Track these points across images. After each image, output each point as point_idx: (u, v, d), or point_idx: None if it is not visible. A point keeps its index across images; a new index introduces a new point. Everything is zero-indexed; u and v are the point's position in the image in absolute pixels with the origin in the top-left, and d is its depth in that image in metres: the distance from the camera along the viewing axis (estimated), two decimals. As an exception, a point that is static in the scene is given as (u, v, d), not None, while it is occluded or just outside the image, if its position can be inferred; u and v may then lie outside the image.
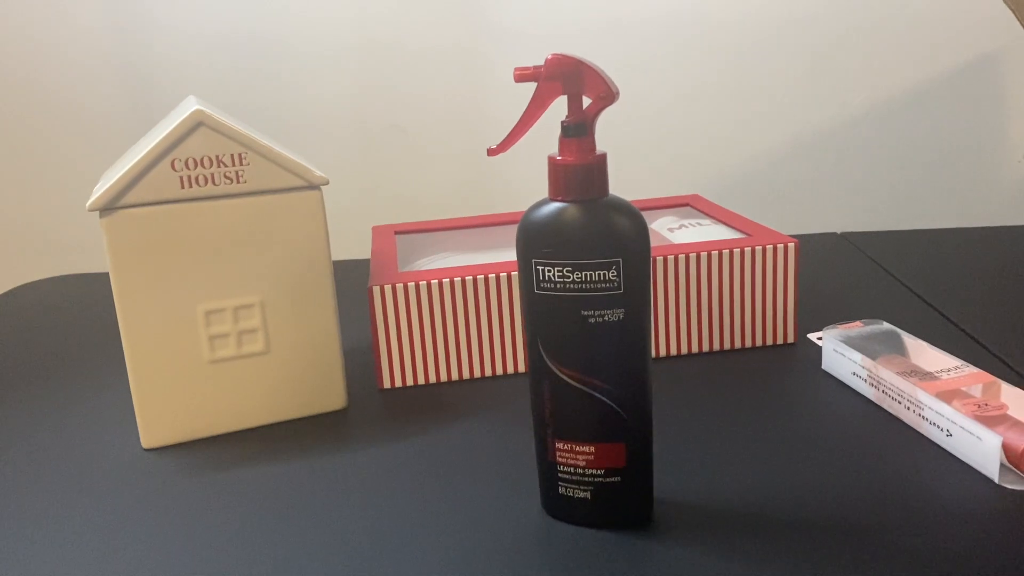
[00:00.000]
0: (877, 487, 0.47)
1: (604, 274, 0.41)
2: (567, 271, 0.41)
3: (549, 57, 0.41)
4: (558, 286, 0.42)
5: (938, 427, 0.51)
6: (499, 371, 0.65)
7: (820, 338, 0.67)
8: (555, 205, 0.42)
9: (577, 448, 0.44)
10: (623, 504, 0.44)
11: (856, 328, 0.63)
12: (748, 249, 0.65)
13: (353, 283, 0.81)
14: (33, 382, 0.69)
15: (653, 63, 1.13)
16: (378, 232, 0.79)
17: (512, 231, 0.79)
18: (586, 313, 0.42)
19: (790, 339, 0.68)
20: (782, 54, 1.13)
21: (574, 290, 0.41)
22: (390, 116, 1.16)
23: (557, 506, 0.45)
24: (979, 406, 0.51)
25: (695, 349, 0.67)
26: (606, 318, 0.42)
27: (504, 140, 0.43)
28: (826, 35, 1.12)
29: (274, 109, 1.15)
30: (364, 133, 1.17)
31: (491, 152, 0.43)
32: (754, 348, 0.67)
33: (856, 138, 1.16)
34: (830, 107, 1.15)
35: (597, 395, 0.43)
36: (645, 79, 1.14)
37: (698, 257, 0.65)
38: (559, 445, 0.44)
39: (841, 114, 1.15)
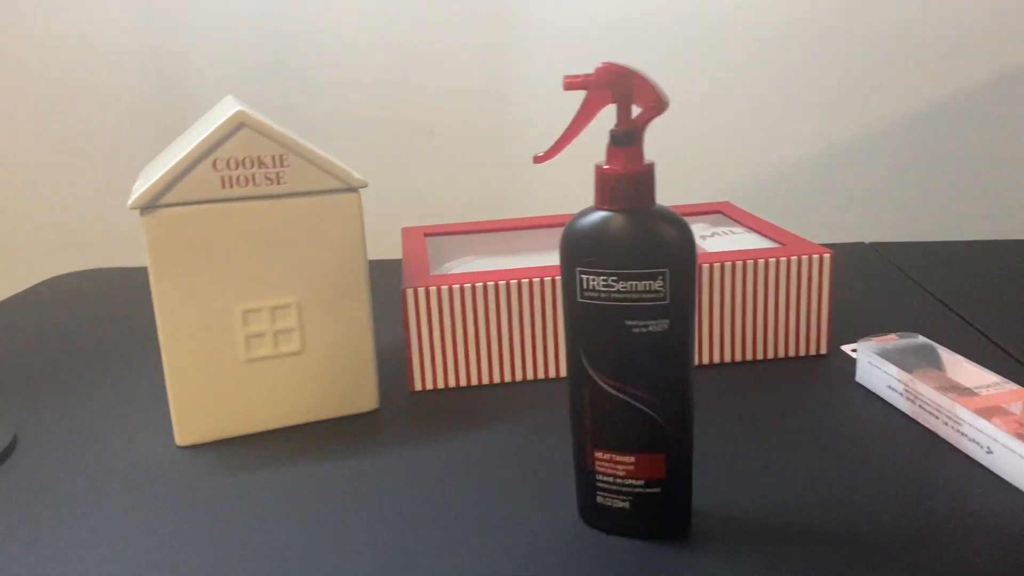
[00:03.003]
0: (915, 503, 0.47)
1: (650, 284, 0.41)
2: (612, 280, 0.41)
3: (600, 65, 0.41)
4: (602, 295, 0.42)
5: (978, 444, 0.50)
6: (530, 376, 0.65)
7: (854, 350, 0.66)
8: (601, 214, 0.42)
9: (617, 458, 0.44)
10: (662, 515, 0.44)
11: (891, 341, 0.63)
12: (783, 259, 0.65)
13: (382, 284, 0.81)
14: (66, 376, 0.70)
15: (685, 69, 1.13)
16: (408, 234, 0.79)
17: (540, 235, 0.79)
18: (630, 323, 0.41)
19: (823, 350, 0.67)
20: (815, 62, 1.12)
21: (619, 300, 0.41)
22: (418, 118, 1.16)
23: (595, 515, 0.45)
24: (1020, 423, 0.50)
25: (727, 359, 0.67)
26: (650, 328, 0.41)
27: (551, 148, 0.43)
28: (860, 43, 1.11)
29: (303, 110, 1.15)
30: (392, 135, 1.17)
31: (537, 160, 0.43)
32: (786, 359, 0.67)
33: (888, 147, 1.15)
34: (863, 116, 1.14)
35: (638, 405, 0.42)
36: (676, 84, 1.13)
37: (732, 266, 0.65)
38: (598, 454, 0.44)
39: (873, 123, 1.14)
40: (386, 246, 1.01)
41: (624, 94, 0.41)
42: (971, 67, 1.12)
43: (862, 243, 0.99)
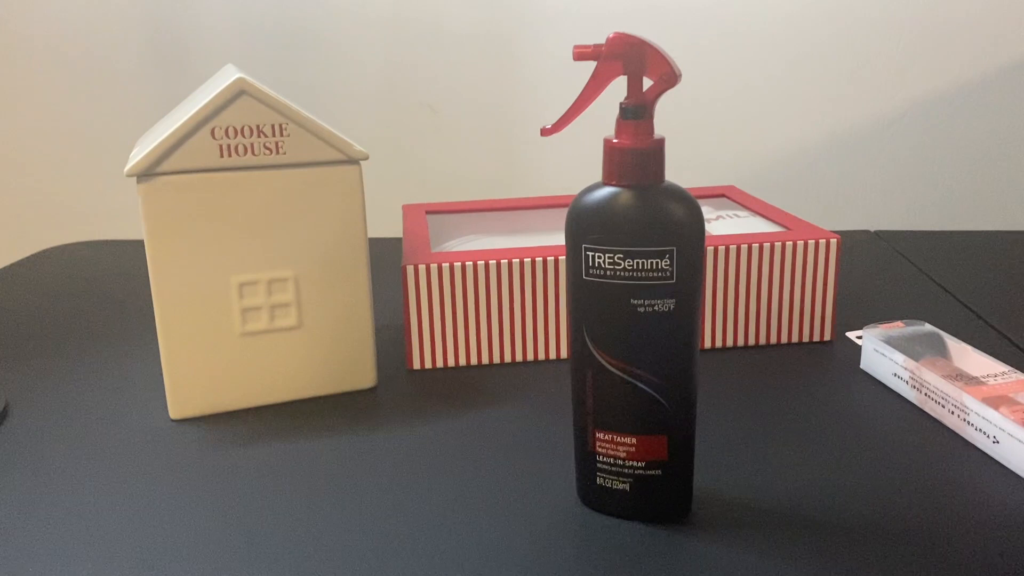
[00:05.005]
0: (919, 491, 0.46)
1: (657, 263, 0.40)
2: (618, 258, 0.40)
3: (611, 35, 0.39)
4: (608, 273, 0.41)
5: (984, 433, 0.50)
6: (530, 357, 0.64)
7: (860, 337, 0.65)
8: (609, 189, 0.41)
9: (618, 439, 0.43)
10: (662, 497, 0.44)
11: (897, 328, 0.62)
12: (789, 243, 0.64)
13: (383, 262, 0.80)
14: (62, 347, 0.69)
15: (692, 53, 1.12)
16: (409, 211, 0.78)
17: (544, 215, 0.78)
18: (636, 302, 0.40)
19: (827, 337, 0.66)
20: (824, 48, 1.11)
21: (624, 278, 0.40)
22: (421, 95, 1.15)
23: (594, 497, 0.45)
24: (1028, 414, 0.49)
25: (731, 343, 0.66)
26: (656, 308, 0.40)
27: (559, 120, 0.42)
28: (870, 31, 1.10)
29: (305, 84, 1.14)
30: (395, 112, 1.15)
31: (545, 132, 0.42)
32: (791, 344, 0.66)
33: (896, 135, 1.14)
34: (870, 104, 1.13)
35: (641, 386, 0.42)
36: (683, 68, 1.12)
37: (738, 249, 0.64)
38: (600, 435, 0.43)
39: (881, 111, 1.13)
40: (388, 224, 1.00)
41: (636, 66, 0.40)
42: (979, 56, 1.10)
43: (867, 231, 0.98)
